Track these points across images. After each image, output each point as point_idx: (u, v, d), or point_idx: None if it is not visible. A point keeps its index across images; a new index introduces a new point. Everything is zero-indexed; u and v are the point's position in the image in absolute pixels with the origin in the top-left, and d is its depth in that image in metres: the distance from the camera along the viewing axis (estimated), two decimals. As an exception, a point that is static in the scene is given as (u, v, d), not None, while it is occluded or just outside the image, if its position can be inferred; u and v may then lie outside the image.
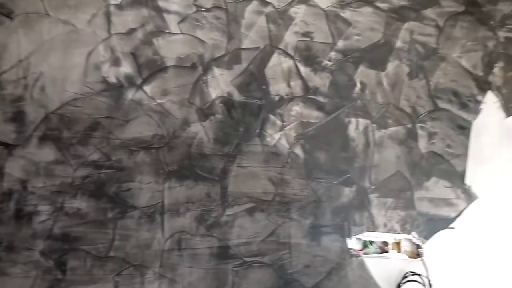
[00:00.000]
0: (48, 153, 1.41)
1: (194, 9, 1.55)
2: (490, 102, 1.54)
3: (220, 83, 1.51)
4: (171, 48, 1.52)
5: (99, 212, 1.38)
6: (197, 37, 1.53)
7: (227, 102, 1.49)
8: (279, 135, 1.48)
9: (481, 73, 1.57)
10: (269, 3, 1.58)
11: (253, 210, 1.41)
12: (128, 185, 1.41)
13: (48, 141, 1.42)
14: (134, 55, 1.51)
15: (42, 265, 1.33)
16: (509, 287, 1.39)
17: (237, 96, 1.50)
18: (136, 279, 1.35)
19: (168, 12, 1.54)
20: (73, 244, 1.35)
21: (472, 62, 1.58)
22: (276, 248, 1.39)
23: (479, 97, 1.55)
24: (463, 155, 1.49)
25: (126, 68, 1.49)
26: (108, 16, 1.52)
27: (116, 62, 1.49)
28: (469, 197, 1.46)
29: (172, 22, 1.54)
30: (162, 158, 1.44)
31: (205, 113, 1.48)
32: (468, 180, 1.47)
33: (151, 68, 1.50)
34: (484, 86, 1.56)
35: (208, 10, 1.55)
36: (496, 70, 1.58)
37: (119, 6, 1.53)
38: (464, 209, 1.45)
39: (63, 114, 1.44)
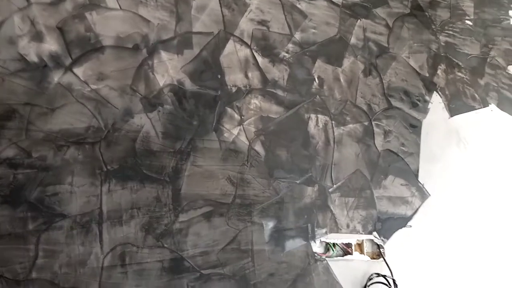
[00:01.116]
0: None
1: (137, -18, 1.33)
2: (436, 102, 1.59)
3: (169, 69, 1.31)
4: (109, 25, 1.28)
5: (16, 223, 1.08)
6: (140, 15, 1.32)
7: (178, 92, 1.30)
8: (237, 130, 1.33)
9: (427, 74, 1.62)
10: (222, -16, 1.43)
11: (210, 215, 1.24)
12: (55, 189, 1.13)
13: None
14: (61, 30, 1.23)
15: None
16: (463, 278, 1.42)
17: (189, 85, 1.32)
18: (68, 306, 1.08)
19: (105, -18, 1.30)
20: (-22, 267, 1.04)
21: (419, 63, 1.62)
22: (237, 257, 1.23)
23: (427, 97, 1.59)
24: (416, 154, 1.51)
25: (51, 45, 1.21)
26: (26, -21, 1.22)
27: (37, 37, 1.20)
28: (423, 195, 1.48)
29: (109, -6, 1.30)
30: (99, 155, 1.19)
31: (151, 103, 1.27)
32: (421, 178, 1.49)
33: (83, 47, 1.24)
34: (430, 86, 1.60)
35: (153, -15, 1.35)
36: (439, 71, 1.64)
37: (41, -31, 1.24)
38: (418, 207, 1.46)
39: (-37, 98, 1.11)
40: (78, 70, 1.22)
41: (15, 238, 1.07)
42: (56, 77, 1.20)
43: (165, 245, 1.18)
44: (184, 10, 1.37)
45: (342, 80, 1.49)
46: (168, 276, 1.17)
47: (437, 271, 1.41)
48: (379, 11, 1.61)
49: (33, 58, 1.19)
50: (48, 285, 1.07)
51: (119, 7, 1.30)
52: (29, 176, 1.12)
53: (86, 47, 1.24)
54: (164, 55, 1.32)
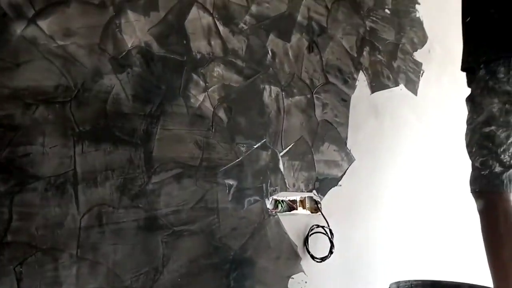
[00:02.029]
0: None
1: None
2: (362, 80, 1.86)
3: (136, 31, 1.30)
4: (73, -24, 1.21)
5: (-15, 185, 1.02)
6: (105, -31, 1.26)
7: (146, 54, 1.31)
8: (202, 97, 1.39)
9: (355, 55, 1.86)
10: (185, -51, 1.43)
11: (180, 176, 1.31)
12: (25, 149, 1.08)
13: None
14: (20, -24, 1.13)
15: None
16: (382, 224, 1.76)
17: (156, 49, 1.33)
18: (47, 266, 1.07)
19: None
20: None
21: (350, 44, 1.85)
22: (205, 215, 1.34)
23: (355, 75, 1.83)
24: (345, 124, 1.76)
25: (10, -8, 1.11)
26: None
27: (-7, -20, 1.09)
28: (350, 159, 1.75)
29: None
30: (70, 115, 1.16)
31: (120, 64, 1.26)
32: (349, 145, 1.76)
33: (46, -1, 1.16)
34: (357, 66, 1.85)
35: None
36: (364, 53, 1.89)
37: None
38: (347, 169, 1.73)
39: None
40: (43, 23, 1.14)
41: (-15, 201, 1.02)
42: (19, 29, 1.11)
43: (140, 205, 1.23)
44: (150, -30, 1.35)
45: (290, 54, 1.64)
46: (143, 234, 1.23)
47: (362, 220, 1.72)
48: (321, -7, 1.78)
49: (-11, 5, 1.08)
50: (25, 247, 1.05)
51: (82, -42, 1.23)
52: (-5, 136, 1.05)
53: (50, -1, 1.16)
54: (131, 15, 1.29)
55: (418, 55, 2.10)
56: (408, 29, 2.10)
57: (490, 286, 1.26)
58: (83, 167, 1.16)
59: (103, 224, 1.17)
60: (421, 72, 2.11)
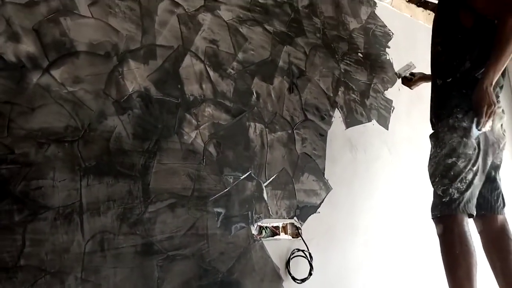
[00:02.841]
0: None
1: (106, -7, 1.46)
2: (337, 117, 2.06)
3: (137, 77, 1.48)
4: (82, 31, 1.39)
5: (3, 215, 1.15)
6: (110, 25, 1.45)
7: (145, 98, 1.48)
8: (195, 134, 1.56)
9: (331, 94, 2.07)
10: (180, 4, 1.64)
11: (174, 206, 1.46)
12: (38, 183, 1.23)
13: None
14: (37, 32, 1.31)
15: None
16: (358, 248, 1.91)
17: (154, 93, 1.50)
18: (55, 287, 1.20)
19: (77, -10, 1.40)
20: (-32, 257, 1.09)
21: (326, 85, 2.06)
22: (195, 240, 1.48)
23: (331, 112, 2.03)
24: (323, 156, 1.94)
25: (28, 46, 1.28)
26: (-1, -21, 1.26)
27: (14, 37, 1.26)
28: (327, 188, 1.92)
29: (81, 3, 1.41)
30: (78, 153, 1.31)
31: (122, 107, 1.43)
32: (326, 175, 1.93)
33: (58, 51, 1.34)
34: (333, 104, 2.06)
35: (121, -2, 1.49)
36: (339, 92, 2.11)
37: (14, -30, 1.29)
38: (324, 197, 1.90)
39: None
40: (55, 73, 1.32)
41: (3, 230, 1.15)
42: (35, 78, 1.28)
43: (137, 232, 1.37)
44: (149, 24, 1.55)
45: (273, 95, 1.84)
46: (140, 258, 1.36)
47: (339, 244, 1.88)
48: (299, 40, 2.00)
49: (11, 57, 1.25)
50: (36, 271, 1.18)
51: (91, 15, 1.42)
52: (13, 172, 1.19)
53: (62, 51, 1.34)
54: (132, 63, 1.48)
55: (388, 93, 2.33)
56: (379, 70, 2.33)
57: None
58: (88, 198, 1.30)
59: (105, 250, 1.30)
60: (392, 108, 2.33)
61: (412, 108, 2.41)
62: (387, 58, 2.40)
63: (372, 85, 2.26)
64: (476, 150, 1.50)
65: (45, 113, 1.28)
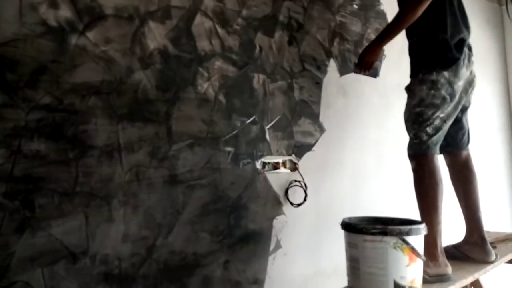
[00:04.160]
0: (-8, 96, 1.37)
1: (126, -39, 1.66)
2: (332, 66, 2.30)
3: (156, 36, 1.72)
4: (108, -3, 1.62)
5: (60, 153, 1.47)
6: (132, -10, 1.67)
7: (164, 54, 1.73)
8: (207, 85, 1.83)
9: (327, 45, 2.29)
10: (190, -33, 1.83)
11: (192, 145, 1.77)
12: (84, 127, 1.52)
13: (-10, 83, 1.37)
14: (72, 0, 1.54)
15: (7, 207, 1.36)
16: (348, 181, 2.25)
17: (171, 49, 1.75)
18: (104, 208, 1.54)
19: (102, -40, 1.60)
20: (37, 184, 1.42)
21: (323, 36, 2.28)
22: (211, 173, 1.81)
23: (326, 62, 2.27)
24: (318, 102, 2.22)
25: (66, 12, 1.52)
26: (38, -49, 1.47)
27: (53, 4, 1.50)
28: (321, 130, 2.22)
29: (106, -29, 1.62)
30: (113, 102, 1.60)
31: (146, 62, 1.69)
32: (321, 118, 2.22)
33: (91, 15, 1.57)
34: (329, 54, 2.29)
35: (139, -35, 1.69)
36: (335, 43, 2.33)
37: None
38: (319, 138, 2.20)
39: (2, 55, 1.39)
40: (90, 34, 1.56)
41: (61, 164, 1.47)
42: (73, 39, 1.53)
43: (164, 166, 1.69)
44: (164, -13, 1.76)
45: (274, 48, 2.08)
46: (168, 186, 1.69)
47: (329, 177, 2.21)
48: (299, -5, 2.20)
49: (53, 22, 1.49)
50: (88, 196, 1.51)
51: (115, -18, 1.63)
52: (64, 118, 1.49)
53: (93, 15, 1.58)
54: (151, 24, 1.71)
55: (381, 43, 2.53)
56: (373, 20, 2.53)
57: (418, 219, 1.75)
58: (124, 139, 1.60)
59: (140, 179, 1.63)
60: (384, 57, 2.55)
61: (403, 56, 2.61)
62: (381, 8, 2.58)
63: (366, 35, 2.47)
64: (446, 100, 1.75)
65: (84, 70, 1.54)
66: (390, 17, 2.58)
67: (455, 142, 1.92)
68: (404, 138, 1.88)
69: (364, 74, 2.04)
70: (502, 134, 3.67)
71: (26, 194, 1.40)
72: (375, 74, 2.21)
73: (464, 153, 1.94)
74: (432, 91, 1.75)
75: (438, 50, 1.77)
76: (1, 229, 1.34)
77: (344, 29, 2.38)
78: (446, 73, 1.73)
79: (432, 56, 1.76)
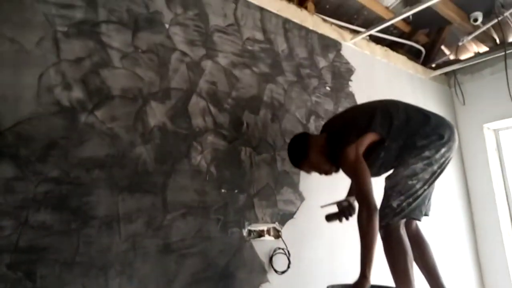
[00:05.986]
0: (6, 170, 1.46)
1: (133, 49, 1.87)
2: (310, 141, 2.53)
3: (157, 114, 1.90)
4: (116, 80, 1.80)
5: (63, 223, 1.55)
6: (136, 73, 1.86)
7: (163, 130, 1.90)
8: (200, 157, 1.99)
9: (305, 122, 2.54)
10: (187, 54, 2.06)
11: (185, 215, 1.88)
12: (87, 199, 1.62)
13: (5, 158, 1.47)
14: (84, 82, 1.70)
15: (10, 278, 1.41)
16: (328, 245, 2.39)
17: (169, 126, 1.92)
18: (101, 279, 1.59)
19: (111, 47, 1.80)
20: (40, 254, 1.48)
21: (301, 115, 2.53)
22: (201, 241, 1.91)
23: (304, 137, 2.50)
24: (298, 173, 2.41)
25: (78, 93, 1.68)
26: (56, 41, 1.66)
27: (67, 87, 1.66)
28: (302, 198, 2.39)
29: (115, 57, 1.81)
30: (115, 175, 1.71)
31: (146, 138, 1.84)
32: (300, 188, 2.40)
33: (99, 96, 1.74)
34: (306, 130, 2.53)
35: (143, 52, 1.90)
36: (311, 120, 2.58)
37: (66, 34, 1.69)
38: (299, 206, 2.37)
39: (19, 132, 1.51)
40: (98, 113, 1.72)
41: (63, 234, 1.54)
42: (83, 117, 1.67)
43: (159, 236, 1.79)
44: (164, 72, 1.96)
45: (259, 124, 2.29)
46: (161, 255, 1.77)
47: (311, 243, 2.35)
48: (280, 79, 2.47)
49: (65, 103, 1.64)
50: (87, 266, 1.57)
51: (122, 67, 1.82)
52: (69, 190, 1.59)
53: (102, 96, 1.74)
54: (153, 103, 1.89)
55: (351, 120, 2.82)
56: (343, 100, 2.84)
57: (392, 286, 1.90)
58: (123, 210, 1.70)
59: (136, 249, 1.71)
60: (354, 132, 2.82)
61: (370, 131, 2.92)
62: (350, 90, 2.91)
63: (337, 112, 2.75)
64: (434, 174, 1.89)
65: (91, 145, 1.67)
66: (357, 97, 2.90)
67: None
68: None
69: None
70: (460, 200, 3.98)
71: (29, 265, 1.45)
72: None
73: (414, 223, 2.06)
74: (427, 168, 1.88)
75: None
76: (4, 300, 1.37)
77: (319, 108, 2.66)
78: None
79: (418, 137, 1.91)
